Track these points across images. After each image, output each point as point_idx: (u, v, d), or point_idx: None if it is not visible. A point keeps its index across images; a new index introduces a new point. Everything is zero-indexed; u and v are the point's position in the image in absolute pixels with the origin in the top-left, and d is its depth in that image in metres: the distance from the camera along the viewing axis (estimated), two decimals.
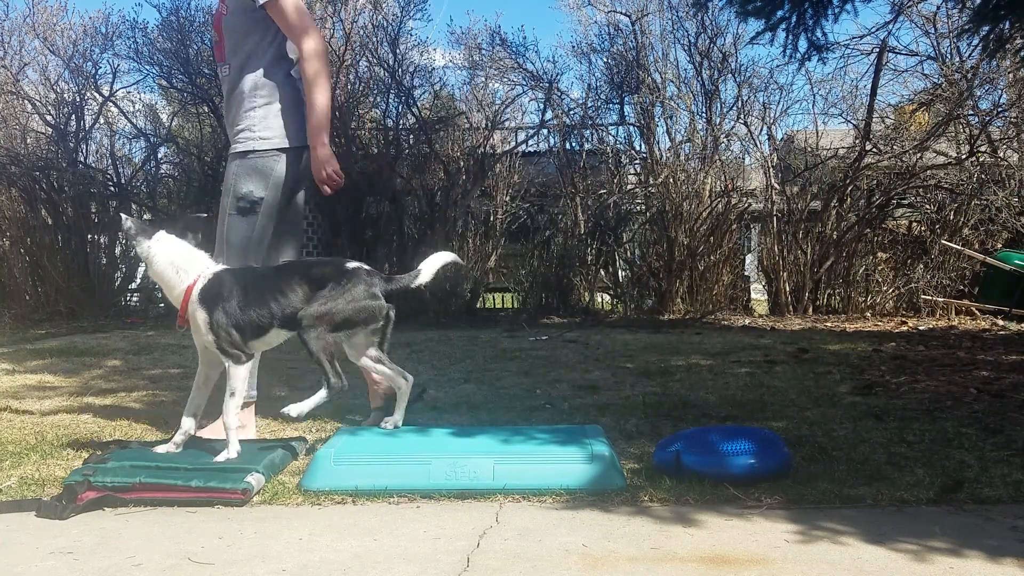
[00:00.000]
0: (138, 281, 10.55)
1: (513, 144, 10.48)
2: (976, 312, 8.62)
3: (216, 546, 2.13)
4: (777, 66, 9.98)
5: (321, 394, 2.76)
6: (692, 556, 2.03)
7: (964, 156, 9.19)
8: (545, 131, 10.19)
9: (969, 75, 9.15)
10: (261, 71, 3.25)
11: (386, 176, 9.38)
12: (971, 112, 9.37)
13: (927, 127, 9.74)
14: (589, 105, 10.12)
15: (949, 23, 9.34)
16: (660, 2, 10.29)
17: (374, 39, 9.85)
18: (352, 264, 2.82)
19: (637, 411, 3.76)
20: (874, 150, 9.36)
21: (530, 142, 10.35)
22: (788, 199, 9.39)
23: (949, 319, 8.57)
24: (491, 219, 10.03)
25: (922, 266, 9.07)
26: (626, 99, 9.97)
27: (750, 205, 9.72)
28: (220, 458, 2.69)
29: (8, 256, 9.93)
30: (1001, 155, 9.40)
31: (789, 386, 4.41)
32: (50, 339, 7.05)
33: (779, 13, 4.58)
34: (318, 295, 2.74)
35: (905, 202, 9.67)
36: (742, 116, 9.78)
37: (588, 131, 10.09)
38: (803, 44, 4.70)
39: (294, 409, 2.76)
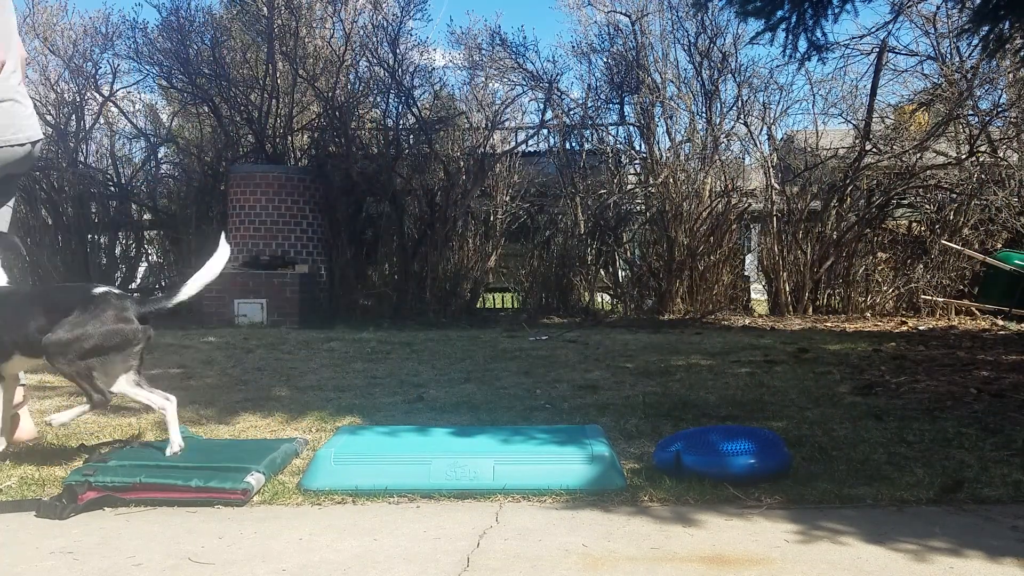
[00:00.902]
0: (138, 281, 10.56)
1: (513, 144, 10.49)
2: (976, 312, 8.62)
3: (216, 546, 2.13)
4: (777, 66, 10.01)
5: (83, 407, 2.72)
6: (692, 556, 2.03)
7: (964, 156, 9.19)
8: (545, 131, 10.21)
9: (969, 75, 9.16)
10: None
11: (386, 176, 9.38)
12: (971, 112, 9.37)
13: (927, 127, 9.74)
14: (589, 105, 10.14)
15: (949, 23, 9.35)
16: (660, 2, 10.31)
17: (374, 39, 9.87)
18: (100, 289, 2.75)
19: (637, 411, 3.76)
20: (874, 150, 9.37)
21: (530, 142, 10.37)
22: (788, 199, 9.40)
23: (949, 319, 8.57)
24: (491, 219, 10.04)
25: (922, 266, 9.08)
26: (626, 99, 9.98)
27: (750, 205, 9.73)
28: None
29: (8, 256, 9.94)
30: (1001, 155, 9.40)
31: (789, 386, 4.41)
32: None
33: (779, 13, 4.58)
34: (62, 322, 2.66)
35: (905, 202, 9.68)
36: (742, 116, 9.79)
37: (588, 131, 10.11)
38: (803, 44, 4.71)
39: (56, 418, 2.71)
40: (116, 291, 2.79)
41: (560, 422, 3.58)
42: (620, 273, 10.10)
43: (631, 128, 10.13)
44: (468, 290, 9.73)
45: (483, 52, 10.35)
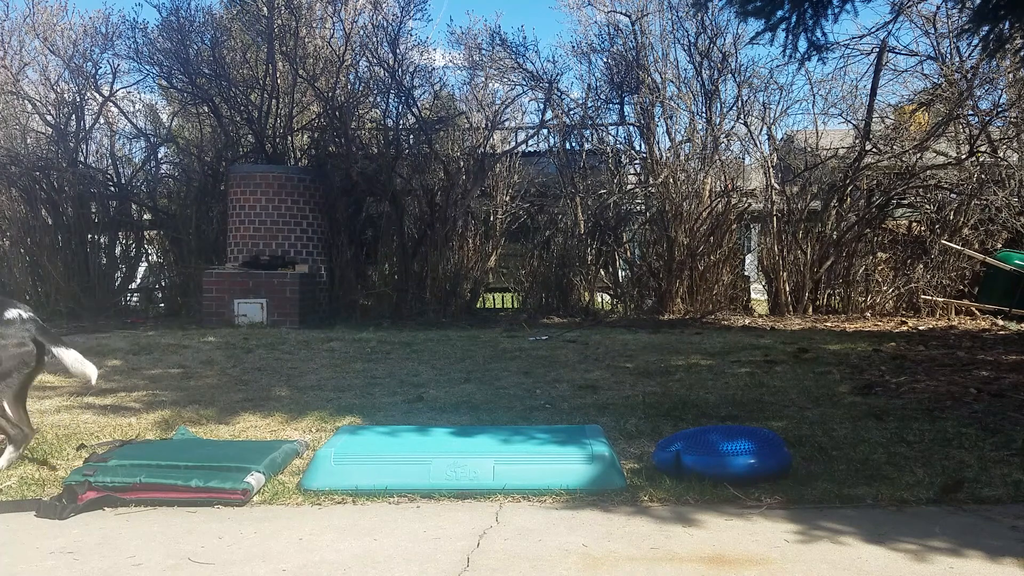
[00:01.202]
0: (138, 281, 10.56)
1: (513, 144, 10.49)
2: (976, 312, 8.62)
3: (216, 546, 2.13)
4: (777, 66, 10.01)
5: (9, 451, 2.83)
6: (692, 556, 2.03)
7: (964, 156, 9.19)
8: (545, 131, 10.20)
9: (969, 75, 9.16)
10: None
11: (386, 176, 9.38)
12: (971, 112, 9.37)
13: (927, 127, 9.74)
14: (589, 105, 10.13)
15: (949, 23, 9.34)
16: (660, 2, 10.30)
17: (374, 39, 9.86)
18: (11, 313, 2.88)
19: (637, 411, 3.76)
20: (874, 150, 9.37)
21: (530, 142, 10.36)
22: (788, 199, 9.39)
23: (949, 319, 8.57)
24: (491, 219, 10.04)
25: (922, 266, 9.08)
26: (626, 99, 9.97)
27: (750, 205, 9.72)
28: None
29: (8, 256, 9.94)
30: (1001, 155, 9.40)
31: (789, 386, 4.41)
32: None
33: (779, 13, 4.57)
34: None
35: (905, 202, 9.68)
36: (742, 116, 9.78)
37: (588, 131, 10.10)
38: (803, 44, 4.70)
39: None
40: (24, 315, 2.92)
41: (560, 422, 3.58)
42: (620, 273, 10.10)
43: (631, 128, 10.13)
44: (468, 290, 9.73)
45: (483, 52, 10.34)
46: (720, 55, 9.61)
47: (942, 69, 9.59)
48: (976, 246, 9.07)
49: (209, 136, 10.51)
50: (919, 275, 9.03)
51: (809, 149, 10.03)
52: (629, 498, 2.49)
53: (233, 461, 2.64)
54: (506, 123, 10.45)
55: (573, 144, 10.18)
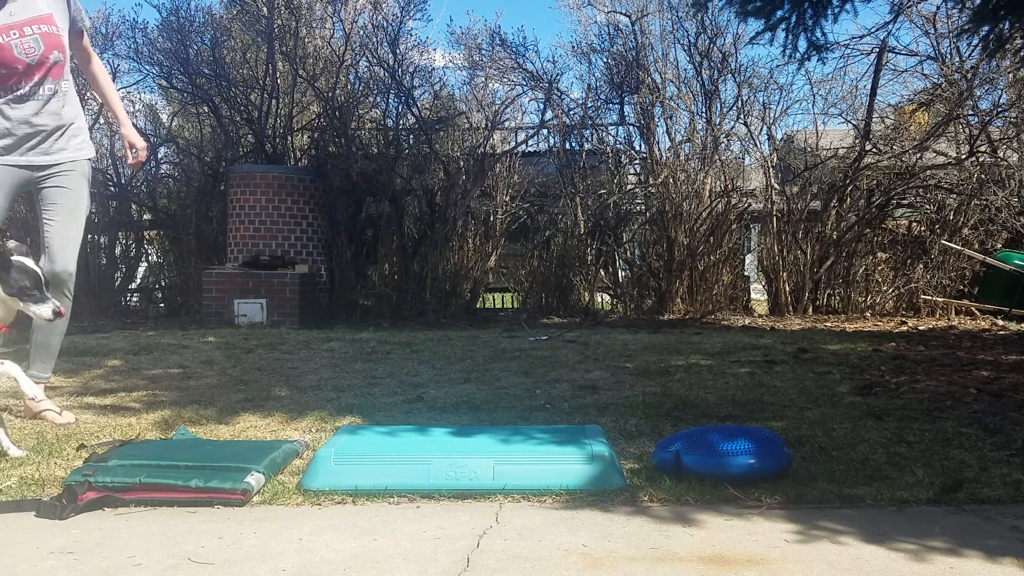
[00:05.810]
0: (138, 281, 10.56)
1: (513, 144, 10.49)
2: (976, 312, 8.62)
3: (216, 546, 2.13)
4: (777, 66, 10.01)
5: None
6: (692, 556, 2.03)
7: (964, 156, 9.19)
8: (545, 131, 10.20)
9: (969, 75, 9.16)
10: (72, 83, 3.97)
11: (386, 176, 9.38)
12: (971, 112, 9.37)
13: (927, 127, 9.74)
14: (589, 105, 10.13)
15: (949, 23, 9.34)
16: (660, 2, 10.31)
17: (374, 39, 9.87)
18: None
19: (637, 411, 3.76)
20: (874, 150, 9.37)
21: (530, 142, 10.36)
22: (788, 199, 9.39)
23: (949, 319, 8.57)
24: (491, 219, 10.04)
25: (922, 266, 9.08)
26: (626, 99, 9.98)
27: (750, 205, 9.72)
28: None
29: None
30: (1001, 155, 9.40)
31: (789, 386, 4.41)
32: None
33: (779, 13, 4.58)
34: None
35: (905, 202, 9.68)
36: (742, 116, 9.79)
37: (588, 131, 10.10)
38: (803, 44, 4.71)
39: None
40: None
41: (560, 422, 3.57)
42: (620, 273, 10.10)
43: (631, 128, 10.13)
44: (468, 290, 9.73)
45: (483, 52, 10.35)
46: (720, 55, 9.62)
47: (942, 69, 9.59)
48: (976, 246, 9.07)
49: (209, 136, 10.51)
50: (919, 275, 9.03)
51: (809, 149, 10.03)
52: (629, 498, 2.49)
53: (233, 461, 2.64)
54: (506, 123, 10.46)
55: (573, 144, 10.18)
